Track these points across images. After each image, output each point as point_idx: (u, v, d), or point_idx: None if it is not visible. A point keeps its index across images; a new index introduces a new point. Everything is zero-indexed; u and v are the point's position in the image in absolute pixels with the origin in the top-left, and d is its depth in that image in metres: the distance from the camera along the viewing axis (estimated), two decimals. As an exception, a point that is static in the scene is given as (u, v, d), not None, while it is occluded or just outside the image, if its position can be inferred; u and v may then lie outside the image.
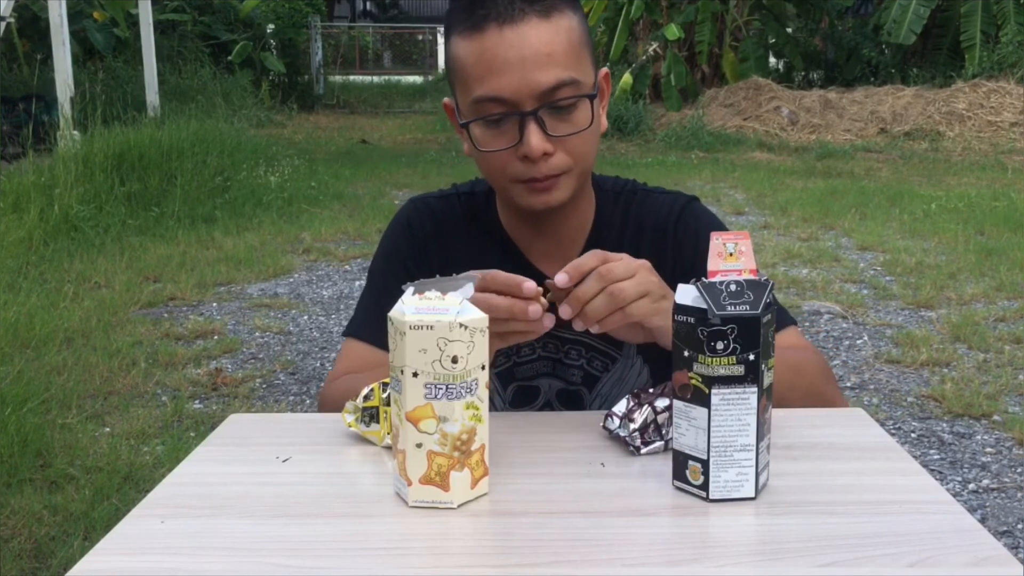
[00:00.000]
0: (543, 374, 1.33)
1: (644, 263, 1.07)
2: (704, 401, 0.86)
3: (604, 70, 1.24)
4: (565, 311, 1.03)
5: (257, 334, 4.39)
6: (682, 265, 1.24)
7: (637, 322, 1.06)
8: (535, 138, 1.13)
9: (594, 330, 1.05)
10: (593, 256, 1.05)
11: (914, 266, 5.52)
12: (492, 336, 1.01)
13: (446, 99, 1.29)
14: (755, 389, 0.85)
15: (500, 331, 1.02)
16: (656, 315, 1.05)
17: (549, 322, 1.03)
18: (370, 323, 1.28)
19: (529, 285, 1.02)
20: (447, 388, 0.84)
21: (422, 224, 1.33)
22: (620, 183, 1.37)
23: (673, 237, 1.29)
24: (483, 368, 0.86)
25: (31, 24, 11.34)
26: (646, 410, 0.99)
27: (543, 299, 1.02)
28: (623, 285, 1.03)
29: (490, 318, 0.97)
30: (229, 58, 14.43)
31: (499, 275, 1.03)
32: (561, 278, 1.03)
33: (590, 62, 1.19)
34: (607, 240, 1.28)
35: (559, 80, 1.13)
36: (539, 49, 1.13)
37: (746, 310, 0.85)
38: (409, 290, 0.89)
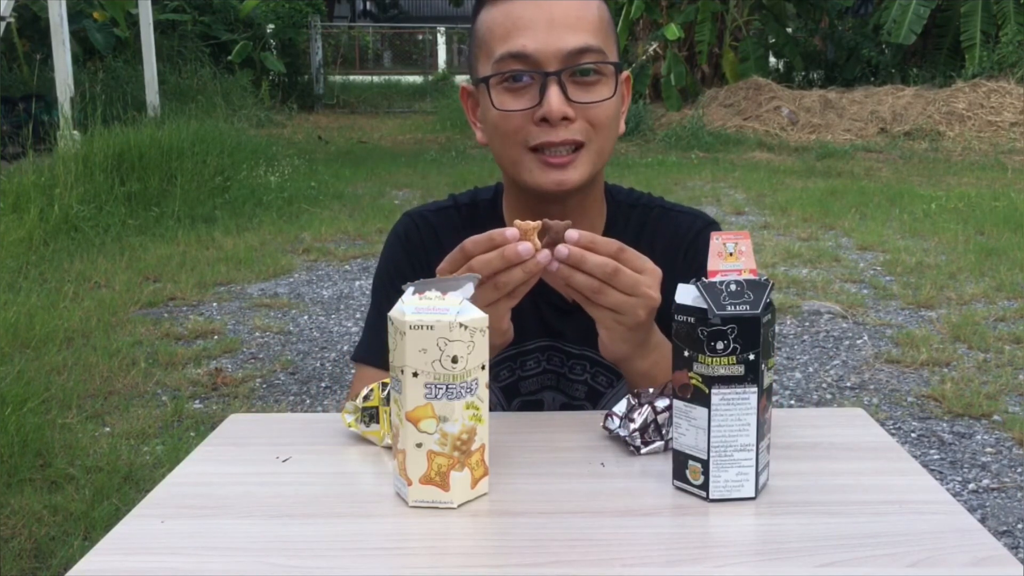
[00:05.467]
0: (547, 387, 1.30)
1: (657, 272, 1.04)
2: (704, 401, 0.86)
3: (625, 73, 1.22)
4: (562, 251, 0.99)
5: (257, 334, 4.39)
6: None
7: (605, 308, 1.03)
8: (556, 98, 1.10)
9: (564, 280, 1.01)
10: (613, 242, 1.02)
11: (914, 266, 5.52)
12: (502, 299, 1.01)
13: (463, 83, 1.27)
14: (755, 389, 0.85)
15: (502, 287, 1.00)
16: (608, 332, 1.04)
17: (544, 258, 1.00)
18: (378, 345, 1.23)
19: (511, 231, 0.99)
20: (447, 388, 0.84)
21: (419, 237, 1.30)
22: (635, 195, 1.33)
23: (683, 258, 1.25)
24: (483, 368, 0.86)
25: (31, 24, 11.35)
26: (646, 410, 0.99)
27: (536, 239, 1.00)
28: (625, 269, 1.01)
29: (491, 276, 0.98)
30: (229, 58, 14.43)
31: (477, 238, 1.01)
32: (573, 235, 1.00)
33: (615, 49, 1.18)
34: None
35: (586, 44, 1.12)
36: (568, 12, 1.12)
37: (746, 310, 0.85)
38: (409, 290, 0.89)
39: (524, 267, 0.99)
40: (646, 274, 1.02)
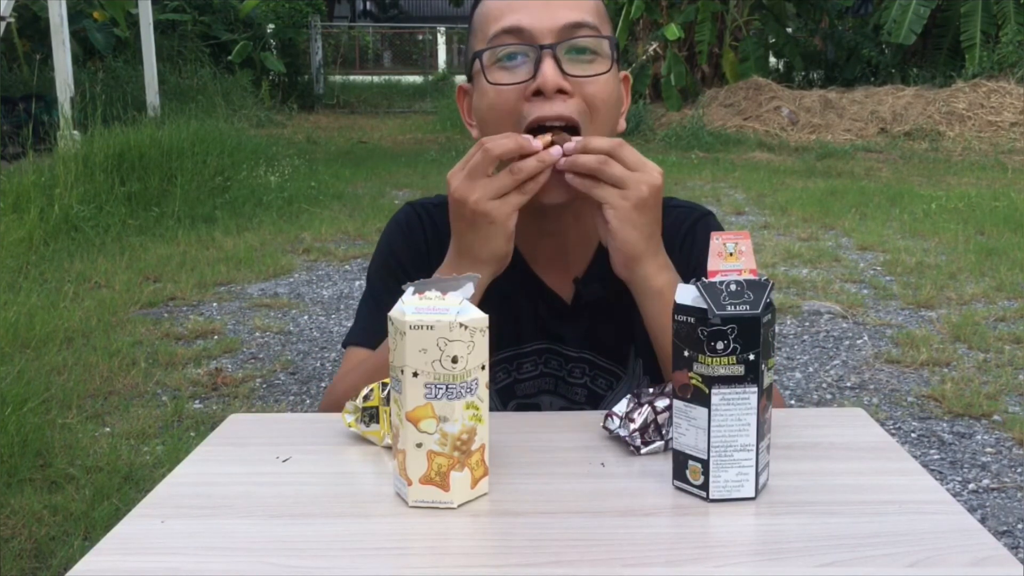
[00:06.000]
0: (545, 391, 1.29)
1: (655, 182, 1.06)
2: (704, 401, 0.86)
3: (624, 73, 1.20)
4: (569, 145, 1.05)
5: (257, 334, 4.39)
6: (684, 279, 1.20)
7: (608, 185, 1.06)
8: (550, 69, 1.08)
9: (568, 178, 1.07)
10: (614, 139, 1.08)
11: (914, 266, 5.52)
12: (512, 193, 1.05)
13: (460, 83, 1.25)
14: (755, 389, 0.85)
15: (516, 173, 1.04)
16: (615, 211, 1.06)
17: (556, 152, 1.04)
18: (371, 329, 1.22)
19: (526, 135, 1.06)
20: (447, 388, 0.84)
21: (421, 227, 1.28)
22: None
23: (679, 251, 1.23)
24: (483, 368, 0.86)
25: (31, 24, 11.35)
26: (646, 410, 0.99)
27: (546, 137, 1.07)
28: (617, 165, 1.05)
29: (504, 172, 1.03)
30: (229, 58, 14.43)
31: (493, 137, 1.05)
32: (577, 140, 1.06)
33: (611, 33, 1.17)
34: None
35: (582, 19, 1.11)
36: None
37: (746, 310, 0.85)
38: (409, 290, 0.89)
39: (538, 156, 1.04)
40: (647, 162, 1.07)
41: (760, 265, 4.90)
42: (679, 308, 0.87)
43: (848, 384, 3.76)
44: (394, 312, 0.86)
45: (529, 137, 1.04)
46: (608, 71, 1.13)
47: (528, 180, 1.04)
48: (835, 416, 1.15)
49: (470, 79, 1.20)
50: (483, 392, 0.86)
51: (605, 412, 1.03)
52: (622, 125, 1.21)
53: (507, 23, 1.10)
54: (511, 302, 1.13)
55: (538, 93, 1.09)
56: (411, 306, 0.85)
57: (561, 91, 1.09)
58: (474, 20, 1.18)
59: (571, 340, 1.26)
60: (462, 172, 1.05)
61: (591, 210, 1.23)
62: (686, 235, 1.26)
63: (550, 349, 1.27)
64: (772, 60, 15.05)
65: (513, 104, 1.11)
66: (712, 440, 0.86)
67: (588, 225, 1.22)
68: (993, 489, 2.86)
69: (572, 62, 1.11)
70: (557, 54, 1.09)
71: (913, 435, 3.26)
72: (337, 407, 1.08)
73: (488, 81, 1.12)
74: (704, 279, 0.87)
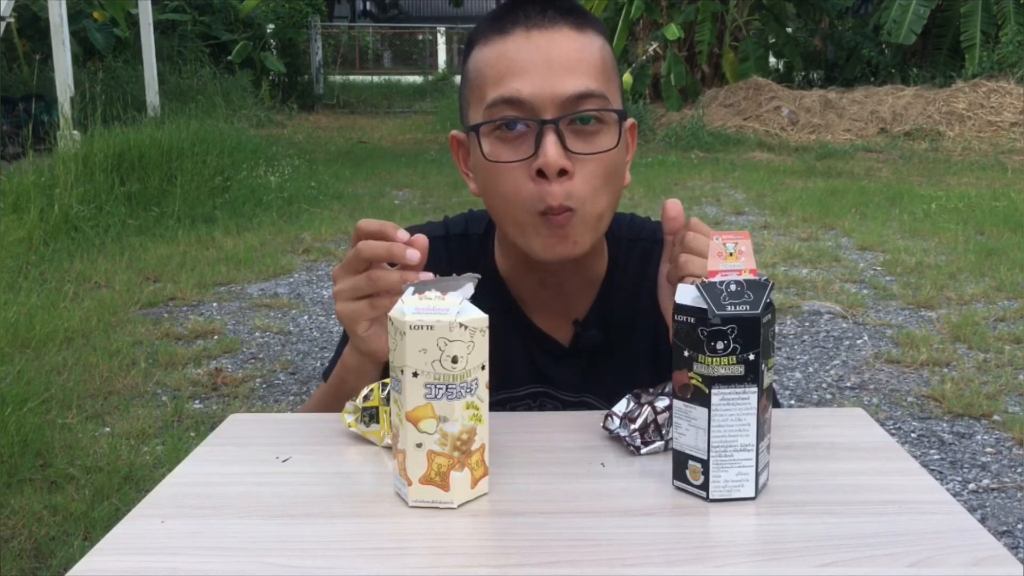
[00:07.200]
0: None
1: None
2: (704, 401, 0.86)
3: (631, 120, 1.12)
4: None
5: (257, 334, 4.39)
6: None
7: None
8: (552, 149, 1.00)
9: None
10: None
11: (914, 266, 5.52)
12: (363, 300, 1.00)
13: (453, 131, 1.17)
14: (755, 389, 0.85)
15: (373, 281, 0.98)
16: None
17: (426, 276, 0.95)
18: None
19: (402, 233, 0.97)
20: (447, 388, 0.84)
21: None
22: (636, 227, 1.23)
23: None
24: (483, 368, 0.86)
25: (31, 24, 11.36)
26: (646, 410, 0.99)
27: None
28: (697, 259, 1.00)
29: (364, 274, 0.98)
30: (229, 58, 14.44)
31: (370, 222, 0.99)
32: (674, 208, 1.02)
33: (618, 93, 1.09)
34: (620, 297, 1.19)
35: (587, 89, 1.03)
36: (568, 55, 1.03)
37: (746, 310, 0.85)
38: (409, 290, 0.89)
39: (403, 274, 0.96)
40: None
41: (760, 265, 4.90)
42: (679, 308, 0.87)
43: (848, 384, 3.76)
44: (394, 312, 0.86)
45: (405, 247, 0.96)
46: (615, 147, 1.06)
47: (384, 295, 0.98)
48: (835, 416, 1.15)
49: (466, 132, 1.12)
50: (483, 392, 0.86)
51: (605, 412, 1.03)
52: (627, 179, 1.13)
53: (506, 91, 1.03)
54: (502, 345, 1.08)
55: (540, 173, 1.03)
56: (411, 306, 0.85)
57: (564, 171, 1.02)
58: (470, 69, 1.09)
59: (567, 384, 1.22)
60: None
61: (594, 253, 1.17)
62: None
63: (544, 393, 1.23)
64: (772, 60, 15.05)
65: (518, 184, 1.04)
66: (712, 440, 0.86)
67: (589, 270, 1.18)
68: (993, 489, 2.86)
69: (576, 136, 1.03)
70: (560, 127, 1.02)
71: (913, 435, 3.26)
72: None
73: (486, 157, 1.05)
74: (704, 279, 0.87)
